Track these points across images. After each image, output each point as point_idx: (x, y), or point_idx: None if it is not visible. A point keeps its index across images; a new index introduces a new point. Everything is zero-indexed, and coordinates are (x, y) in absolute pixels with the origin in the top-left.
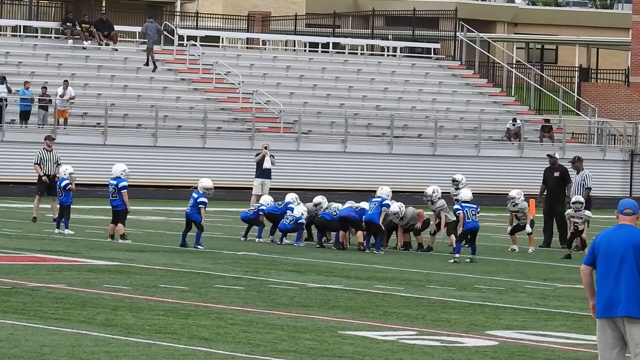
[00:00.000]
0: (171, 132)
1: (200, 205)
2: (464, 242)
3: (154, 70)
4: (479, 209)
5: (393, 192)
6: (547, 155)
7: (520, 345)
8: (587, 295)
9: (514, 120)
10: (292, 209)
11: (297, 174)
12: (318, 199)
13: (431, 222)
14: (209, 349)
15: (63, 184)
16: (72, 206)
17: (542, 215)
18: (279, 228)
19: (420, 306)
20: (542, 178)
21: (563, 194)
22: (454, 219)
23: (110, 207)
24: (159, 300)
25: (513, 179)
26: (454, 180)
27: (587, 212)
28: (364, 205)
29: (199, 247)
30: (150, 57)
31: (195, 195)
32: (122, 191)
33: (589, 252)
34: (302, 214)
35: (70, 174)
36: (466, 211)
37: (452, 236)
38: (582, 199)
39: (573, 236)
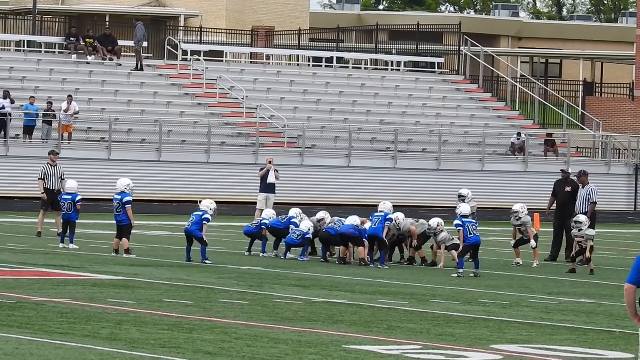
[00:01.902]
0: (175, 147)
1: (204, 222)
2: (467, 256)
3: (140, 70)
4: (477, 224)
5: (398, 206)
6: (561, 170)
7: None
8: (630, 314)
9: (519, 134)
10: (295, 224)
11: (302, 189)
12: (321, 214)
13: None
14: None
15: (77, 199)
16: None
17: (552, 229)
18: (286, 243)
19: (424, 320)
20: (548, 191)
21: (573, 208)
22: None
23: (114, 222)
24: (163, 315)
25: (518, 194)
26: (460, 196)
27: (589, 231)
28: (368, 225)
29: (207, 262)
30: (139, 59)
31: (199, 213)
32: (126, 206)
33: (635, 270)
34: (309, 229)
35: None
36: (467, 226)
37: (454, 251)
38: (582, 218)
39: (578, 253)
